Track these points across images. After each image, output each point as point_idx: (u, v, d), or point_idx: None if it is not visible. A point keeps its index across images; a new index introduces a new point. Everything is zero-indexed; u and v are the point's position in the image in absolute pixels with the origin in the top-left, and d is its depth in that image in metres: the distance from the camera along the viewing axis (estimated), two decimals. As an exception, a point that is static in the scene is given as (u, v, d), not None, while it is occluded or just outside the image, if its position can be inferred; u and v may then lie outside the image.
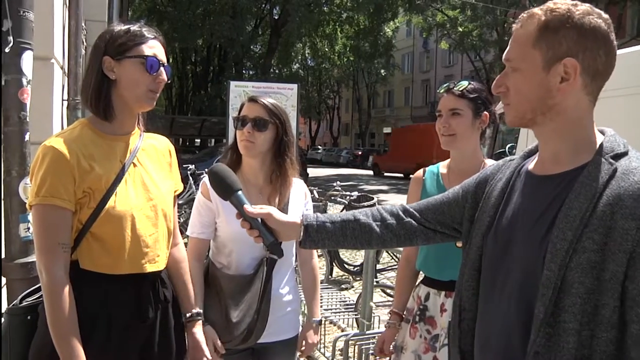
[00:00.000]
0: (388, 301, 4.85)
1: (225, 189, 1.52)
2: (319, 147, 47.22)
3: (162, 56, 1.70)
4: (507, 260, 1.22)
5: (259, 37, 28.51)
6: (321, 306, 4.05)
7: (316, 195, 7.24)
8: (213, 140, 24.06)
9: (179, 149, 19.52)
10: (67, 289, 1.52)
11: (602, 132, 1.22)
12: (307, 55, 35.96)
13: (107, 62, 1.64)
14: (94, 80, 1.65)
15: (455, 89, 2.06)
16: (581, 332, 1.06)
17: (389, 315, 2.31)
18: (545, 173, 1.23)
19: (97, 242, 1.61)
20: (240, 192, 1.50)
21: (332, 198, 7.40)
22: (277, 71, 28.62)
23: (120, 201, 1.63)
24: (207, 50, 28.04)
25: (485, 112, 2.08)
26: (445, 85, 2.11)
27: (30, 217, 1.63)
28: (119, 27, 1.67)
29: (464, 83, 2.07)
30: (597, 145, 1.17)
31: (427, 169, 2.25)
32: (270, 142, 2.09)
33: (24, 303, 1.69)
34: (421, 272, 2.24)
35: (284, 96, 7.46)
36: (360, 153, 39.39)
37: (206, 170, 2.19)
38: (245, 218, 1.46)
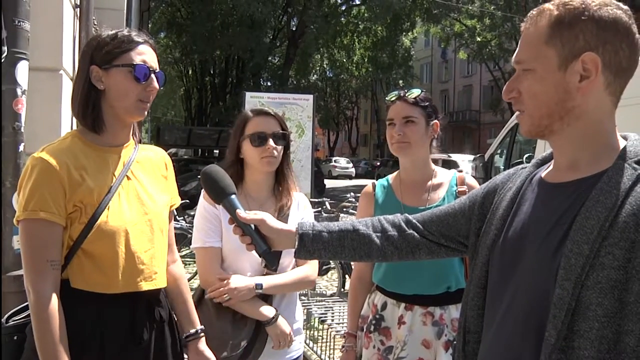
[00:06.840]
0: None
1: (218, 192, 1.43)
2: (336, 158, 47.06)
3: (152, 62, 1.61)
4: (515, 277, 1.10)
5: (277, 49, 28.63)
6: (332, 320, 4.07)
7: (328, 207, 7.13)
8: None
9: (197, 159, 19.60)
10: (56, 309, 1.44)
11: (625, 138, 1.10)
12: (325, 66, 35.96)
13: (94, 71, 1.56)
14: (81, 90, 1.58)
15: (408, 96, 2.04)
16: None
17: (344, 337, 2.20)
18: (559, 180, 1.11)
19: (89, 260, 1.53)
20: (234, 196, 1.42)
21: (345, 209, 7.29)
22: (295, 82, 28.66)
23: (113, 216, 1.54)
24: (225, 62, 28.25)
25: (436, 121, 2.07)
26: (394, 93, 2.10)
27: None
28: (107, 33, 1.59)
29: (416, 91, 2.06)
30: (620, 151, 1.05)
31: (376, 183, 2.20)
32: (283, 155, 2.06)
33: (10, 322, 1.59)
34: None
35: (299, 107, 7.35)
36: (378, 164, 39.30)
37: None
38: (238, 224, 1.38)
